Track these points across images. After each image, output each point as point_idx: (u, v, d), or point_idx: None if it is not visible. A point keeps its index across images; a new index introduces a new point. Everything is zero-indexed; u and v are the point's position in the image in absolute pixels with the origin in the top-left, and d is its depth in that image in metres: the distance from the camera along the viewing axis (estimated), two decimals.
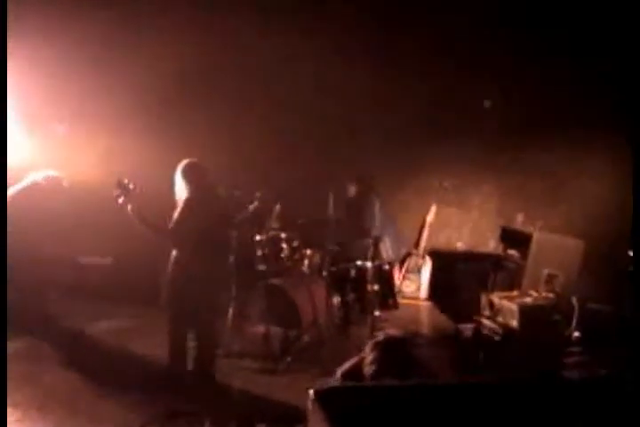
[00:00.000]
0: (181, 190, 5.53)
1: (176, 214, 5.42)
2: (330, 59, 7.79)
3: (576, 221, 7.52)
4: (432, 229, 8.40)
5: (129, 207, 5.33)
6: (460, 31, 7.82)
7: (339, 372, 3.42)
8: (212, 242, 5.54)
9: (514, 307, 4.96)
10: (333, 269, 6.45)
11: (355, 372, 3.23)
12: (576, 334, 6.65)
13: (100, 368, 5.92)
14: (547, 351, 4.91)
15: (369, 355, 3.19)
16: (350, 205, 7.39)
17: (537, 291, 5.84)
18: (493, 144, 7.88)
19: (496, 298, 5.24)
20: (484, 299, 5.38)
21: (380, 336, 3.41)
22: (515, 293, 5.38)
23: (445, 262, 8.15)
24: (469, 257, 8.11)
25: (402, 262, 8.29)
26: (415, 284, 8.24)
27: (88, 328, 6.98)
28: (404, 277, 8.22)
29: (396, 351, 3.16)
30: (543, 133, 7.52)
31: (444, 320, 7.26)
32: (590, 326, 6.62)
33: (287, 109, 8.01)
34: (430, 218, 8.38)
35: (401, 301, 7.74)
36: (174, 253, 5.53)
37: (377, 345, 3.22)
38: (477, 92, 7.99)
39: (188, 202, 5.46)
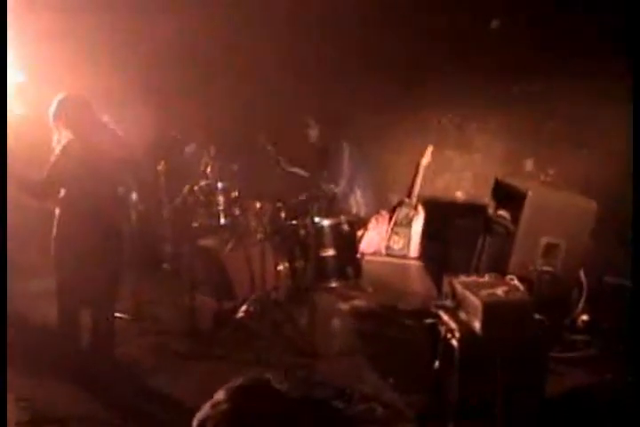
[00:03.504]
0: (58, 137, 4.30)
1: (49, 165, 4.23)
2: None
3: (600, 169, 6.01)
4: (427, 174, 6.99)
5: None
6: None
7: (195, 421, 2.06)
8: (104, 199, 4.38)
9: (477, 302, 3.62)
10: (278, 227, 5.22)
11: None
12: (584, 317, 5.32)
13: None
14: (521, 363, 3.59)
15: (220, 405, 1.85)
16: (311, 150, 6.09)
17: (525, 270, 4.50)
18: (501, 74, 6.30)
19: (459, 285, 3.89)
20: (445, 282, 4.05)
21: (238, 380, 2.05)
22: (487, 277, 3.99)
23: (441, 215, 6.84)
24: (470, 210, 6.76)
25: (391, 213, 6.96)
26: (404, 239, 6.89)
27: None
28: (392, 231, 6.90)
29: (259, 405, 1.82)
30: (561, 61, 5.92)
31: (428, 287, 6.06)
32: (606, 306, 5.34)
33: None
34: (425, 161, 6.94)
35: (387, 259, 6.65)
36: (57, 211, 4.39)
37: (232, 394, 1.86)
38: (482, 11, 6.36)
39: (65, 150, 4.25)
